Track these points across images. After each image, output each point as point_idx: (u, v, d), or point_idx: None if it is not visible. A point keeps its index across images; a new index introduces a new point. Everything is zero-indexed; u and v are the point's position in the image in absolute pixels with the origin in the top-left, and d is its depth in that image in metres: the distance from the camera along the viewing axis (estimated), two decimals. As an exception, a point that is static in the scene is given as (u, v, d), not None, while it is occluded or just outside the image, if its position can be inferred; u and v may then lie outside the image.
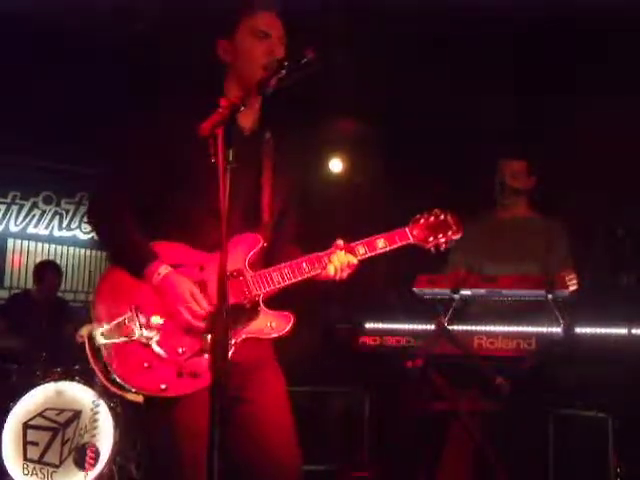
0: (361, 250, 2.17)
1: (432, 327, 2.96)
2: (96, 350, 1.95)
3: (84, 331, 1.96)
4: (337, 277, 2.14)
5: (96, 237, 2.12)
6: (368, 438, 3.99)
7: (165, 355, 1.96)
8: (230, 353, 1.95)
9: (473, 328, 2.93)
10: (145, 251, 2.02)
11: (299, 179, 2.33)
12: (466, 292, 2.97)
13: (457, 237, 2.28)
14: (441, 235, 2.26)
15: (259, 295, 2.07)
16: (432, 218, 2.28)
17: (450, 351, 2.89)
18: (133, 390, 1.94)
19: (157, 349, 1.96)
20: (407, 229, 2.25)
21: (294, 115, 2.31)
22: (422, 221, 2.27)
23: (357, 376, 4.04)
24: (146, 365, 1.94)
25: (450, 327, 2.92)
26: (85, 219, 6.66)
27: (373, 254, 2.18)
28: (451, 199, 2.43)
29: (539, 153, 3.66)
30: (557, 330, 2.79)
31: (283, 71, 1.89)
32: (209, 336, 1.95)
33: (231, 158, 1.67)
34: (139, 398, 1.94)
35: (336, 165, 5.99)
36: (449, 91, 4.43)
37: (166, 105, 2.14)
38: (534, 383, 2.88)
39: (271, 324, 2.07)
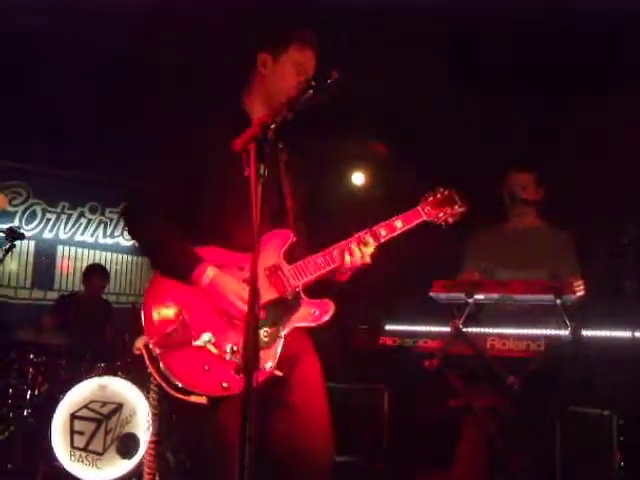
0: (383, 232, 2.26)
1: (448, 329, 3.04)
2: (154, 360, 1.96)
3: (140, 343, 1.96)
4: (359, 265, 2.20)
5: (139, 250, 2.18)
6: (387, 432, 4.07)
7: (222, 355, 1.98)
8: (281, 345, 2.08)
9: (486, 330, 2.99)
10: (190, 256, 2.06)
11: (311, 186, 2.41)
12: (480, 296, 3.02)
13: (462, 210, 2.38)
14: (448, 210, 2.38)
15: (298, 286, 2.14)
16: (438, 195, 2.39)
17: (465, 351, 2.97)
18: (196, 393, 1.95)
19: (213, 350, 1.98)
20: (419, 208, 2.36)
21: (311, 130, 2.49)
22: (430, 198, 2.38)
23: (377, 374, 4.14)
24: (206, 368, 1.96)
25: (465, 329, 2.99)
26: (125, 230, 7.00)
27: (393, 235, 2.28)
28: (470, 210, 2.48)
29: (545, 163, 3.67)
30: (565, 333, 2.85)
31: (311, 91, 1.98)
32: (261, 330, 2.01)
33: (262, 172, 1.75)
34: (202, 400, 1.95)
35: (358, 178, 6.04)
36: (465, 107, 4.46)
37: (197, 119, 2.19)
38: (543, 382, 2.93)
39: (314, 311, 2.13)
